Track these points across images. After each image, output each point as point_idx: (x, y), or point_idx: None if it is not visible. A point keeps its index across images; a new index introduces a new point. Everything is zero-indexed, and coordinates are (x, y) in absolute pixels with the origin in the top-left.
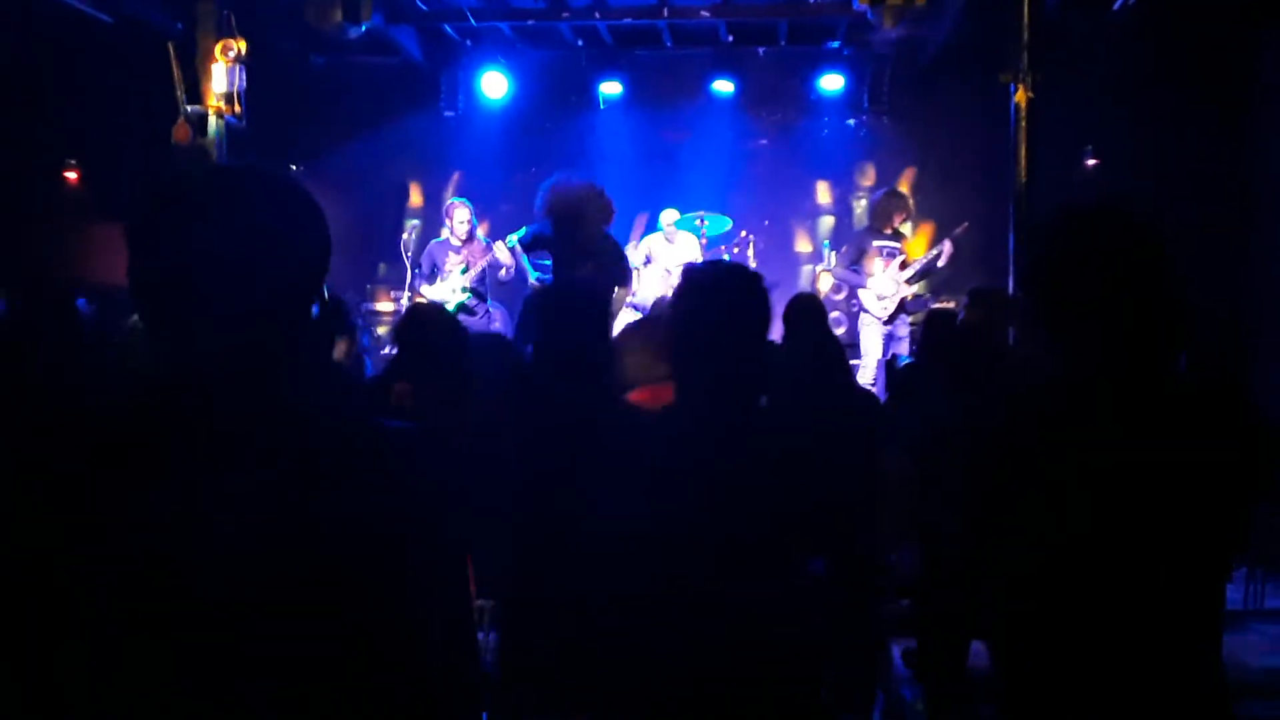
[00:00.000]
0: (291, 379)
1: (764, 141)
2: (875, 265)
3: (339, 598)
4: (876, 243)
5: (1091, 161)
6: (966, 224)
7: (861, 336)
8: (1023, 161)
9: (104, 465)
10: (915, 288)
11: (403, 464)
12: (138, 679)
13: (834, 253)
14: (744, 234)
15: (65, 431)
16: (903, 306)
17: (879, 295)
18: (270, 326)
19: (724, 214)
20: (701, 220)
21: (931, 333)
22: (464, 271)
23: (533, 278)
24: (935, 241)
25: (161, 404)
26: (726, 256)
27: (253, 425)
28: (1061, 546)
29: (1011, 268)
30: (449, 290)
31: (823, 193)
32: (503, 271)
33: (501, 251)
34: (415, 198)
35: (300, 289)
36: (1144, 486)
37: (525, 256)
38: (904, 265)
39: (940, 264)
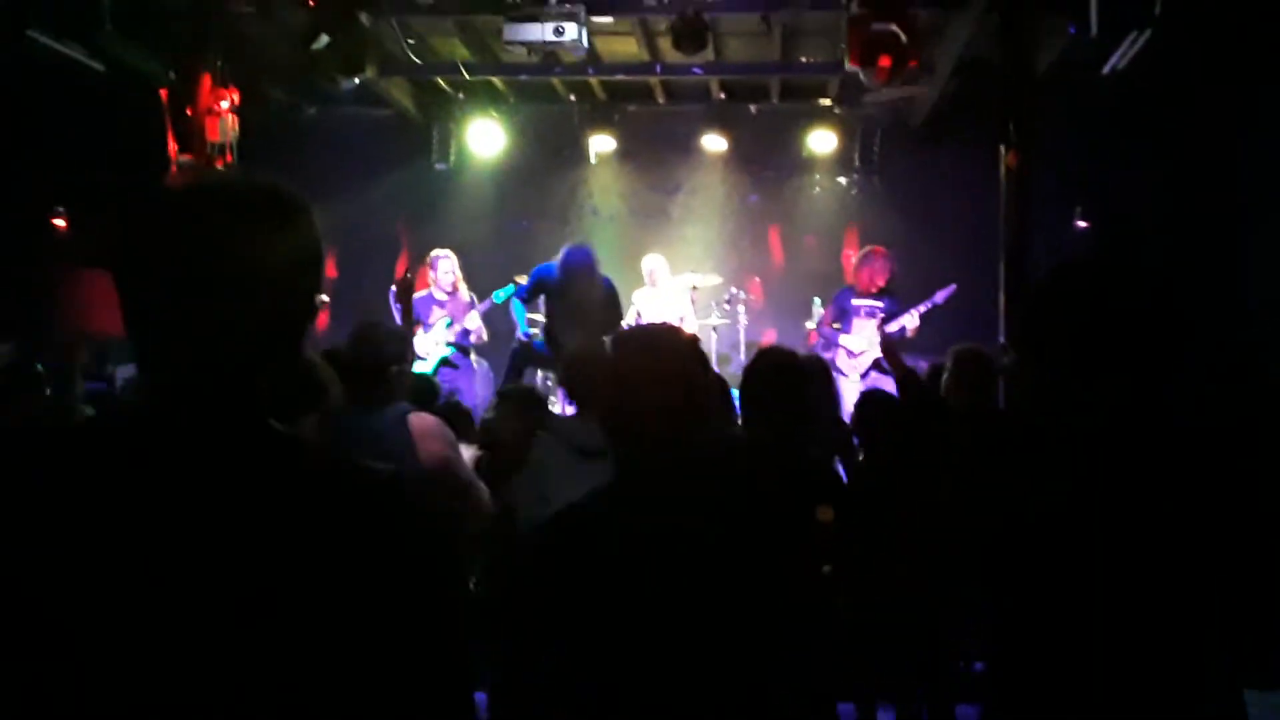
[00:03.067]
0: (279, 404)
1: (754, 198)
2: (854, 324)
3: (323, 645)
4: (855, 301)
5: (1081, 223)
6: (954, 286)
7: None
8: (1012, 223)
9: (93, 494)
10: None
11: (392, 506)
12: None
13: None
14: (734, 290)
15: (55, 460)
16: (879, 366)
17: (851, 353)
18: (267, 356)
19: (715, 271)
20: None
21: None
22: (448, 325)
23: (521, 331)
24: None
25: (151, 431)
26: (716, 316)
27: (237, 454)
28: (1070, 602)
29: (1001, 327)
30: (432, 343)
31: (813, 250)
32: (473, 337)
33: (474, 320)
34: (404, 250)
35: (298, 305)
36: (1156, 539)
37: (520, 309)
38: (883, 324)
39: (908, 333)
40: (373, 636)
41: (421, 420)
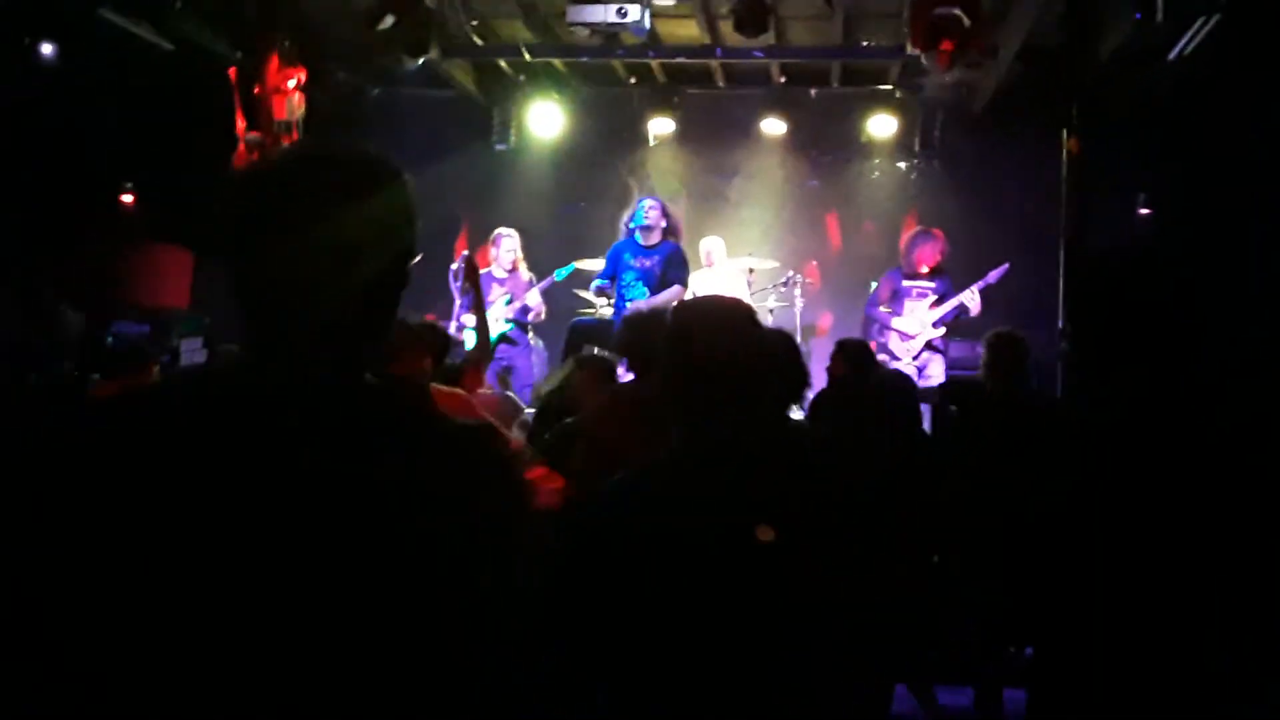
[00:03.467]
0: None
1: (814, 182)
2: (905, 305)
3: (418, 594)
4: (906, 283)
5: (1144, 210)
6: (1007, 265)
7: None
8: (1073, 209)
9: (194, 450)
10: (942, 330)
11: (484, 460)
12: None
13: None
14: (791, 273)
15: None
16: (932, 347)
17: (903, 336)
18: (369, 319)
19: (772, 255)
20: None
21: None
22: (508, 302)
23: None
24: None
25: (258, 397)
26: (773, 299)
27: (343, 417)
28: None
29: (1060, 314)
30: (492, 319)
31: (871, 235)
32: (531, 315)
33: (534, 297)
34: (465, 228)
35: (396, 268)
36: (1158, 533)
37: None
38: (935, 306)
39: (972, 313)
40: (464, 571)
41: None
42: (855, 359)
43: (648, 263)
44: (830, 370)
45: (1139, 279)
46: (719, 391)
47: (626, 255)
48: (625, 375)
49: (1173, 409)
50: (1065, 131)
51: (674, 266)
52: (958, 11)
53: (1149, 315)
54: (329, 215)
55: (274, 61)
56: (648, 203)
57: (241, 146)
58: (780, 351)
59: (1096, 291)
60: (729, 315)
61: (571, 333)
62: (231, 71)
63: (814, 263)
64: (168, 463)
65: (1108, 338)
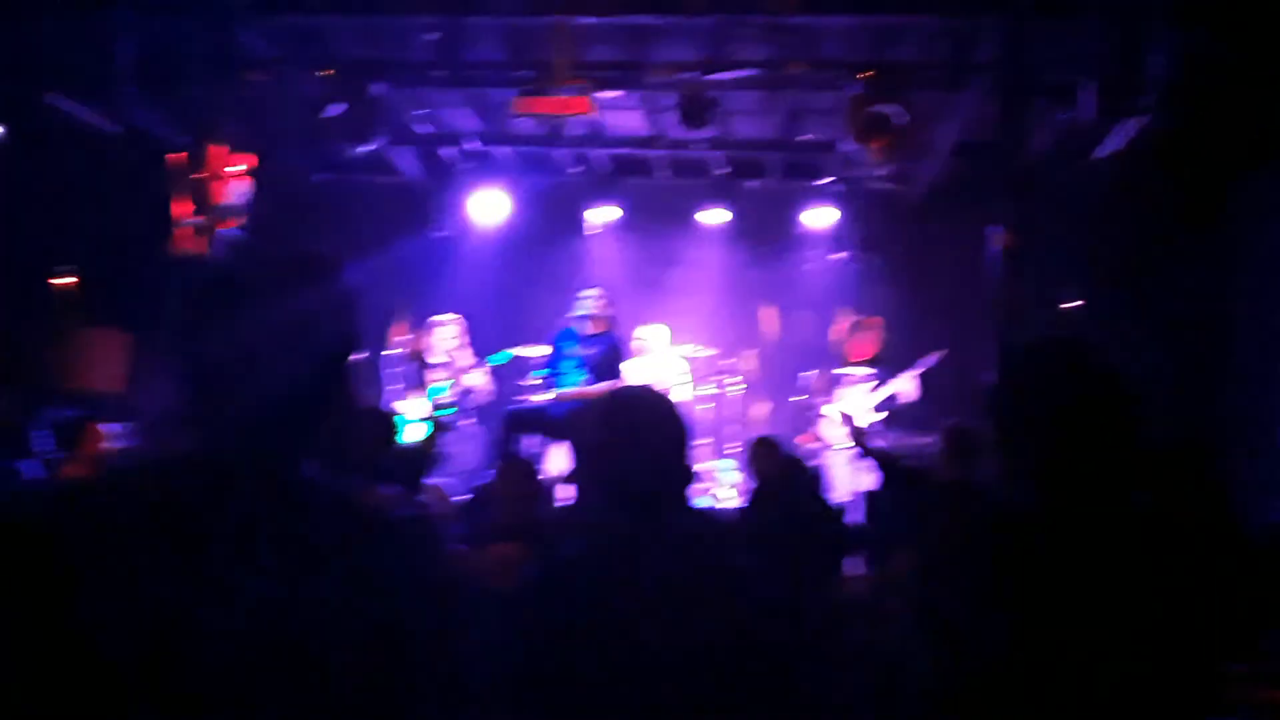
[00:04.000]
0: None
1: (752, 272)
2: (841, 394)
3: (350, 678)
4: (845, 370)
5: (1073, 304)
6: (944, 351)
7: (828, 467)
8: (1004, 302)
9: (133, 541)
10: (882, 415)
11: (420, 550)
12: None
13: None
14: (729, 362)
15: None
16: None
17: (842, 421)
18: (307, 402)
19: (711, 343)
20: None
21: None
22: (444, 390)
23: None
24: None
25: (195, 483)
26: (710, 387)
27: (281, 505)
28: (1022, 668)
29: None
30: (425, 407)
31: (809, 324)
32: (473, 396)
33: (477, 378)
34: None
35: (335, 367)
36: (1105, 615)
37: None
38: (869, 394)
39: (911, 398)
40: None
41: None
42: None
43: (588, 352)
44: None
45: (1065, 369)
46: (639, 481)
47: (567, 344)
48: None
49: (1096, 499)
50: (998, 226)
51: (613, 358)
52: (893, 109)
53: (1075, 405)
54: (271, 306)
55: (220, 147)
56: (592, 292)
57: (182, 230)
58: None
59: (1022, 383)
60: (653, 407)
61: (506, 420)
62: (176, 156)
63: (752, 351)
64: (108, 556)
65: (1033, 427)
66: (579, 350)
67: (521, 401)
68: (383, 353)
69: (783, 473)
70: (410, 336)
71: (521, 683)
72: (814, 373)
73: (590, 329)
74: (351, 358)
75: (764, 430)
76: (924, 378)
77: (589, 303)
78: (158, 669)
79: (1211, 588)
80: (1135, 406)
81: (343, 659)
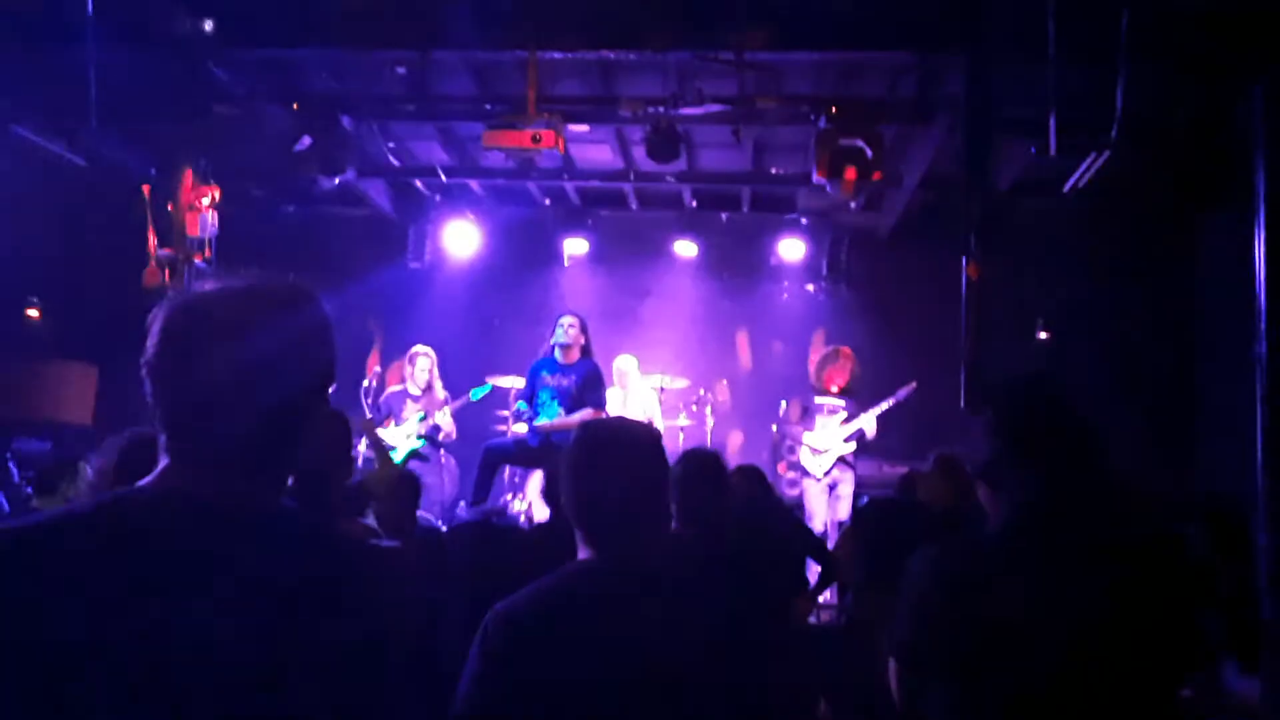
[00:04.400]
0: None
1: (724, 303)
2: (816, 422)
3: (323, 711)
4: (818, 400)
5: (1042, 335)
6: (913, 384)
7: (805, 495)
8: (972, 333)
9: (107, 574)
10: (853, 445)
11: (392, 580)
12: None
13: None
14: (702, 392)
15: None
16: (844, 462)
17: (814, 450)
18: (282, 434)
19: (683, 374)
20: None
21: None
22: (420, 419)
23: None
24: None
25: (171, 516)
26: (684, 418)
27: (253, 539)
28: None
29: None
30: (403, 436)
31: (781, 355)
32: (441, 435)
33: (445, 418)
34: (378, 346)
35: (311, 391)
36: (1084, 631)
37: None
38: (845, 423)
39: (868, 437)
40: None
41: None
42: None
43: (565, 381)
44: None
45: (1034, 402)
46: (616, 514)
47: (544, 373)
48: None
49: (1071, 529)
50: (965, 258)
51: (590, 387)
52: (860, 143)
53: (1044, 436)
54: (242, 338)
55: (188, 179)
56: (567, 320)
57: (153, 263)
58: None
59: (994, 415)
60: (630, 439)
61: (486, 453)
62: (145, 189)
63: (724, 382)
64: (81, 594)
65: (1004, 457)
66: (556, 380)
67: (500, 434)
68: (363, 384)
69: (752, 498)
70: (380, 370)
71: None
72: (788, 403)
73: (566, 358)
74: (325, 389)
75: (740, 459)
76: (886, 414)
77: (563, 331)
78: (133, 707)
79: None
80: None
81: (322, 689)
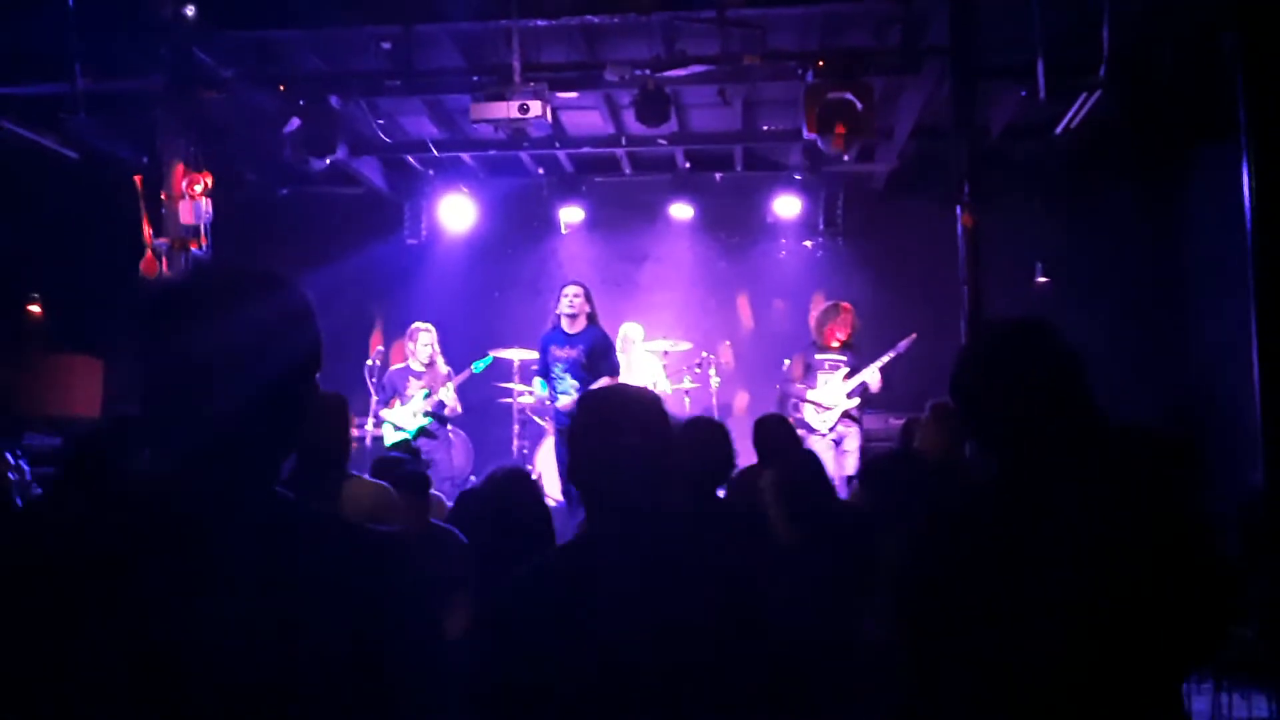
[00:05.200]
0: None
1: (723, 263)
2: (819, 379)
3: (327, 699)
4: (819, 356)
5: (1042, 279)
6: (914, 335)
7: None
8: (970, 281)
9: (103, 568)
10: (857, 400)
11: (392, 565)
12: None
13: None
14: (705, 354)
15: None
16: (849, 417)
17: (819, 407)
18: (268, 421)
19: (685, 337)
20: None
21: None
22: (425, 396)
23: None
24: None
25: (161, 505)
26: (688, 380)
27: (247, 527)
28: (999, 649)
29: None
30: (409, 415)
31: (782, 312)
32: (447, 410)
33: (449, 394)
34: (379, 324)
35: (297, 383)
36: (1075, 586)
37: (544, 385)
38: (848, 378)
39: (873, 390)
40: (364, 669)
41: None
42: (776, 434)
43: (573, 352)
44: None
45: (1025, 348)
46: (622, 480)
47: (553, 346)
48: None
49: (1056, 474)
50: (959, 207)
51: (600, 355)
52: (849, 96)
53: (1035, 383)
54: (218, 321)
55: (179, 167)
56: (571, 290)
57: (149, 253)
58: (701, 436)
59: (985, 362)
60: (630, 407)
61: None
62: (137, 179)
63: (726, 343)
64: (86, 584)
65: (995, 405)
66: (565, 352)
67: (505, 406)
68: (365, 363)
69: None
70: (384, 349)
71: (508, 690)
72: (791, 360)
73: (573, 327)
74: (310, 373)
75: (747, 420)
76: (889, 366)
77: (567, 301)
78: (138, 696)
79: (1171, 567)
80: (1088, 384)
81: (325, 677)
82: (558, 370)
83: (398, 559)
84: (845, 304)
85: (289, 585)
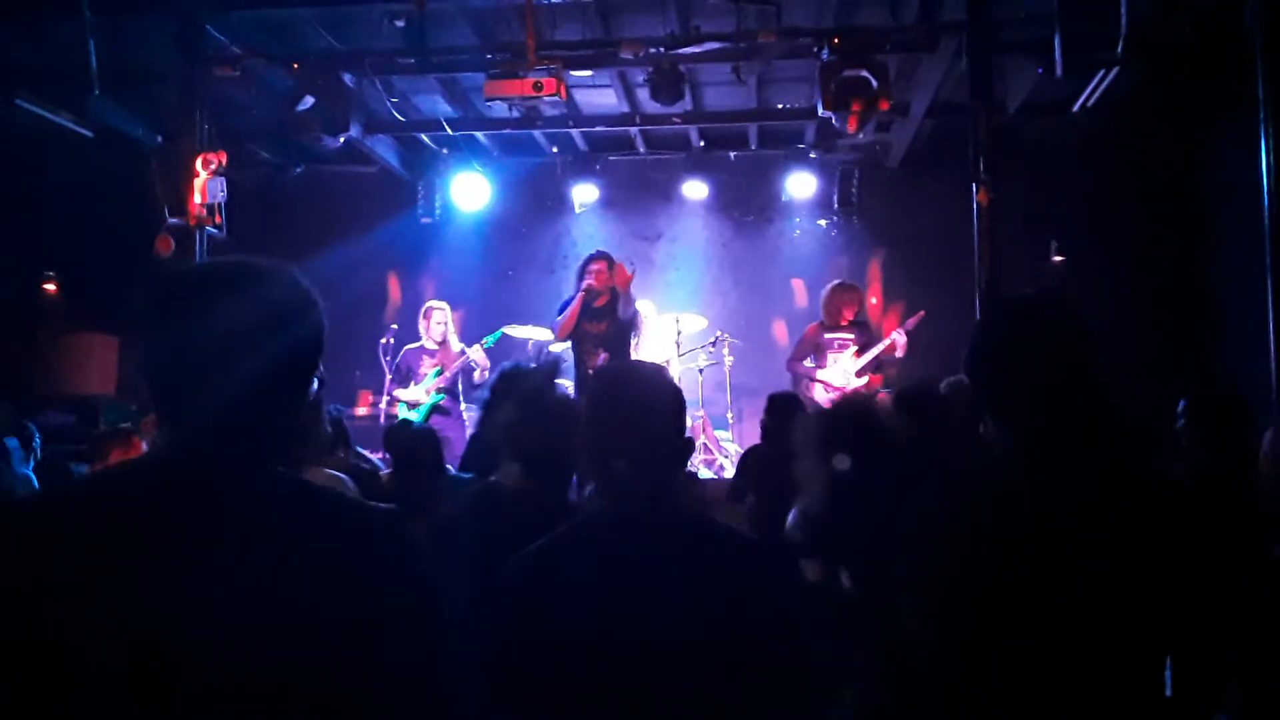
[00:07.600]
0: (287, 457)
1: (737, 242)
2: (828, 358)
3: (329, 677)
4: (828, 335)
5: (1057, 257)
6: (923, 312)
7: None
8: (985, 259)
9: (108, 547)
10: (865, 379)
11: (392, 543)
12: None
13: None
14: (720, 334)
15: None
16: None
17: (828, 387)
18: (272, 407)
19: (699, 315)
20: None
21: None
22: (438, 374)
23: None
24: (881, 336)
25: (166, 486)
26: (704, 359)
27: (251, 505)
28: (996, 619)
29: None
30: (422, 392)
31: (797, 291)
32: (478, 374)
33: (478, 353)
34: (393, 303)
35: (299, 370)
36: (1079, 567)
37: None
38: (857, 356)
39: (898, 353)
40: (366, 648)
41: None
42: (785, 412)
43: (601, 326)
44: (763, 424)
45: (1038, 324)
46: (627, 461)
47: (582, 320)
48: None
49: (1069, 451)
50: (975, 185)
51: (627, 327)
52: (864, 74)
53: (1053, 357)
54: (216, 309)
55: (193, 146)
56: (594, 265)
57: (164, 233)
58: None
59: (997, 339)
60: (640, 383)
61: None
62: (151, 158)
63: (742, 320)
64: (87, 564)
65: (1010, 383)
66: (593, 328)
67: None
68: (379, 341)
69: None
70: (397, 327)
71: (512, 671)
72: (803, 338)
73: (599, 302)
74: (314, 359)
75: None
76: (908, 336)
77: (593, 277)
78: (138, 675)
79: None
80: (1101, 359)
81: (326, 654)
82: (589, 346)
83: (400, 535)
84: (850, 283)
85: (295, 562)
